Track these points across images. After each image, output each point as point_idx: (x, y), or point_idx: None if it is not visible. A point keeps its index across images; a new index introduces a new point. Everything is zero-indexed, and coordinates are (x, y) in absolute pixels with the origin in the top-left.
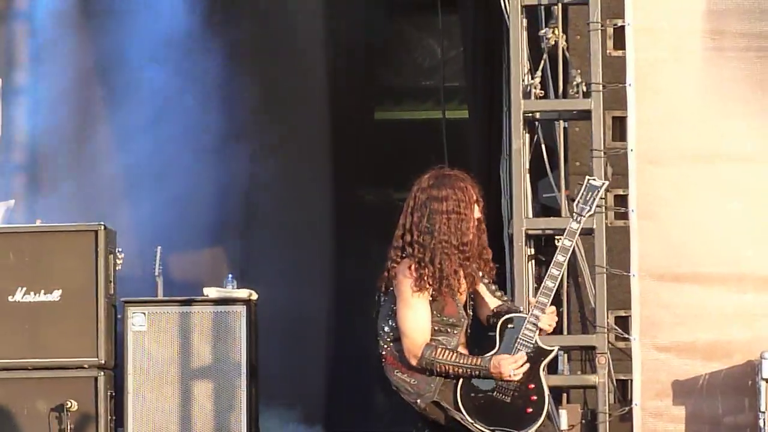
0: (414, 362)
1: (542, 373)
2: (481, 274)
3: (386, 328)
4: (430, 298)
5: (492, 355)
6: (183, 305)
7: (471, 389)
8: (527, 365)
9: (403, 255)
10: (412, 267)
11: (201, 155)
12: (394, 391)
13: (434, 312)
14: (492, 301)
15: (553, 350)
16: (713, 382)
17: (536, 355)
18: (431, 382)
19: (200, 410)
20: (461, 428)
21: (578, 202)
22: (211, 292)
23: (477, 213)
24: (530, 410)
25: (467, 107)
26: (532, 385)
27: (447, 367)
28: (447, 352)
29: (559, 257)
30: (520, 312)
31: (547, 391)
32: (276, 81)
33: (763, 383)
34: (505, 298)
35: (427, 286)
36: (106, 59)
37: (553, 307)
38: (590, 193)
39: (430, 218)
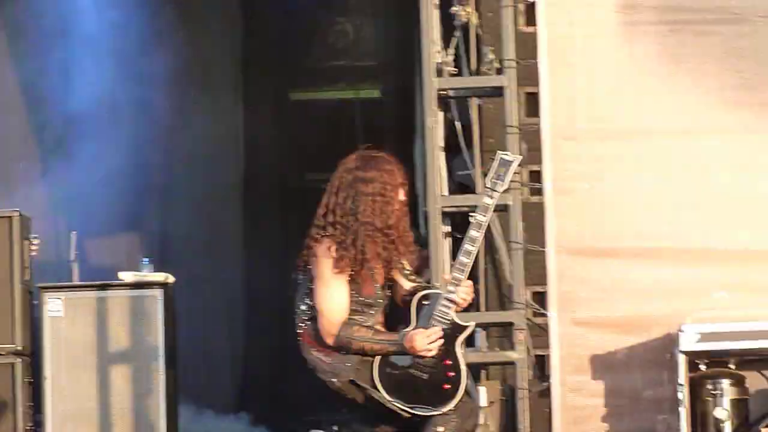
0: (330, 341)
1: (459, 350)
2: (399, 257)
3: (303, 307)
4: (349, 278)
5: (407, 331)
6: (99, 290)
7: (388, 366)
8: (441, 340)
9: (324, 234)
10: (332, 248)
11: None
12: (311, 370)
13: (352, 292)
14: (406, 284)
15: (469, 326)
16: (632, 357)
17: (452, 331)
18: (347, 361)
19: (118, 395)
20: (379, 406)
21: (491, 177)
22: (126, 276)
23: (402, 196)
24: (448, 386)
25: (378, 87)
26: (449, 362)
27: (363, 345)
28: (363, 329)
29: (473, 233)
30: (435, 289)
31: (464, 368)
32: (190, 61)
33: (681, 356)
34: (419, 281)
35: (348, 267)
36: None
37: (470, 282)
38: (503, 168)
39: (355, 199)
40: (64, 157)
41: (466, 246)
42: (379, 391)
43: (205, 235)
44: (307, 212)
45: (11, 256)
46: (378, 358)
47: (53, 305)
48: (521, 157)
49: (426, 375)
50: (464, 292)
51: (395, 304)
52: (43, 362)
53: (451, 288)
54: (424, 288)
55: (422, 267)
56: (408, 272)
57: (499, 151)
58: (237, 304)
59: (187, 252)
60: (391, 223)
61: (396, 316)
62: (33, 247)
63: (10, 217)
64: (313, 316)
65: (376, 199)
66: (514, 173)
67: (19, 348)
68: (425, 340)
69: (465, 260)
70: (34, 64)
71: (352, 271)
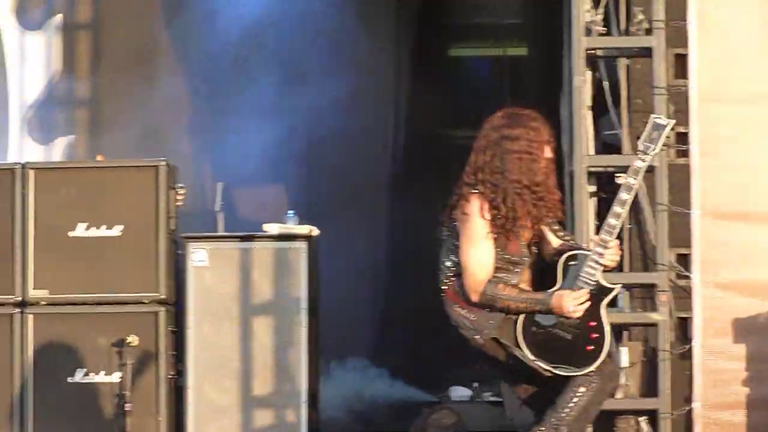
0: (475, 298)
1: (603, 311)
2: (548, 215)
3: (448, 263)
4: (495, 236)
5: (554, 291)
6: (244, 241)
7: (532, 325)
8: (588, 302)
9: (474, 192)
10: (484, 206)
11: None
12: (453, 326)
13: (498, 249)
14: (555, 241)
15: (615, 288)
16: None
17: (598, 293)
18: (491, 319)
19: (260, 346)
20: (520, 365)
21: (643, 140)
22: (271, 228)
23: (548, 153)
24: (591, 348)
25: (526, 44)
26: (593, 323)
27: (508, 303)
28: (509, 288)
29: (623, 195)
30: (583, 249)
31: (608, 329)
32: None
33: None
34: (568, 238)
35: (498, 226)
36: None
37: (617, 241)
38: (655, 132)
39: (503, 158)
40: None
41: (615, 208)
42: (522, 349)
43: (351, 190)
44: (456, 170)
45: (157, 206)
46: (522, 317)
47: (198, 255)
48: (674, 121)
49: (570, 335)
50: (612, 253)
51: (543, 261)
52: (187, 312)
53: (599, 249)
54: (572, 248)
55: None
56: (557, 228)
57: (652, 115)
58: (381, 262)
59: (333, 206)
60: (539, 180)
61: (543, 274)
62: (179, 197)
63: (156, 166)
64: (458, 273)
65: (523, 157)
66: (668, 137)
67: (163, 297)
68: (573, 302)
69: (614, 222)
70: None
71: (502, 229)
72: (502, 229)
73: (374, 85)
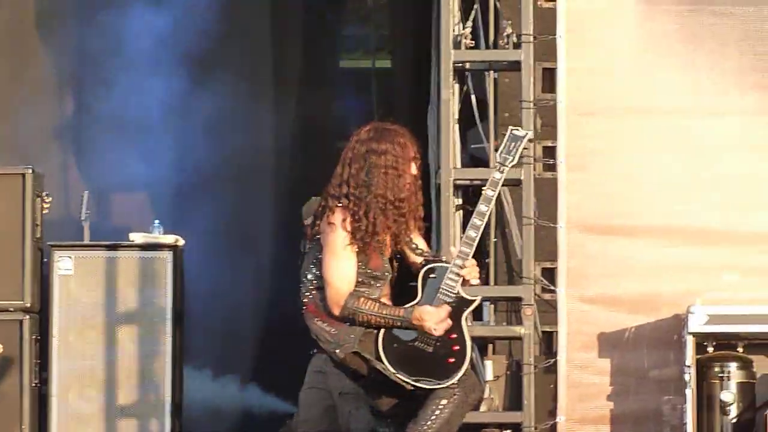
0: (337, 311)
1: (465, 324)
2: (407, 232)
3: (309, 276)
4: (357, 250)
5: (414, 305)
6: (109, 250)
7: (393, 340)
8: (450, 321)
9: (338, 205)
10: (347, 219)
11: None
12: (314, 339)
13: (360, 263)
14: (416, 258)
15: (475, 300)
16: (639, 335)
17: (459, 305)
18: (351, 333)
19: (125, 356)
20: (383, 378)
21: (501, 152)
22: (137, 237)
23: (414, 170)
24: (452, 360)
25: (391, 57)
26: (455, 335)
27: (369, 317)
28: (370, 302)
29: (482, 207)
30: (442, 262)
31: (469, 342)
32: None
33: (689, 337)
34: (427, 253)
35: (358, 239)
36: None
37: (473, 261)
38: (513, 143)
39: (368, 171)
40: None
41: (475, 220)
42: (383, 363)
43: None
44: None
45: (23, 214)
46: (383, 331)
47: (63, 264)
48: (531, 132)
49: (431, 348)
50: (470, 271)
51: (403, 276)
52: (51, 320)
53: (458, 262)
54: (431, 261)
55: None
56: (415, 246)
57: (510, 126)
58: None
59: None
60: (403, 196)
61: (403, 289)
62: (45, 205)
63: (23, 174)
64: (320, 286)
65: (389, 172)
66: (526, 148)
67: (28, 305)
68: (433, 318)
69: (473, 234)
70: None
71: (362, 243)
72: (363, 242)
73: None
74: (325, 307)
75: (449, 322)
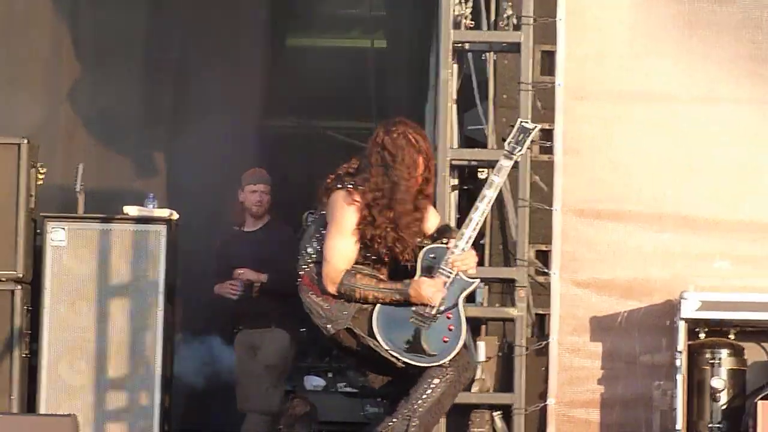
0: (332, 289)
1: (461, 304)
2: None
3: (309, 249)
4: (362, 233)
5: (408, 282)
6: (103, 222)
7: (387, 317)
8: (446, 290)
9: (358, 187)
10: (360, 203)
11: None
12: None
13: (361, 246)
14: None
15: (474, 282)
16: (631, 320)
17: (456, 286)
18: (345, 309)
19: (116, 329)
20: (375, 355)
21: (510, 141)
22: (131, 210)
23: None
24: (447, 339)
25: (388, 37)
26: (450, 315)
27: (366, 293)
28: (367, 278)
29: (486, 192)
30: (442, 244)
31: (464, 322)
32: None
33: (681, 323)
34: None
35: (368, 223)
36: None
37: (472, 250)
38: (522, 134)
39: (388, 168)
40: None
41: (478, 204)
42: (376, 339)
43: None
44: (326, 159)
45: (18, 184)
46: (378, 308)
47: (56, 235)
48: (539, 126)
49: (426, 326)
50: (463, 262)
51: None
52: (43, 291)
53: (459, 243)
54: (432, 242)
55: None
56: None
57: (520, 118)
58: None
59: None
60: (418, 204)
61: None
62: (40, 176)
63: (18, 144)
64: (318, 260)
65: (411, 173)
66: (534, 141)
67: (20, 275)
68: (431, 288)
69: (476, 218)
70: None
71: (370, 228)
72: (371, 227)
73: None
74: (320, 281)
75: (445, 291)
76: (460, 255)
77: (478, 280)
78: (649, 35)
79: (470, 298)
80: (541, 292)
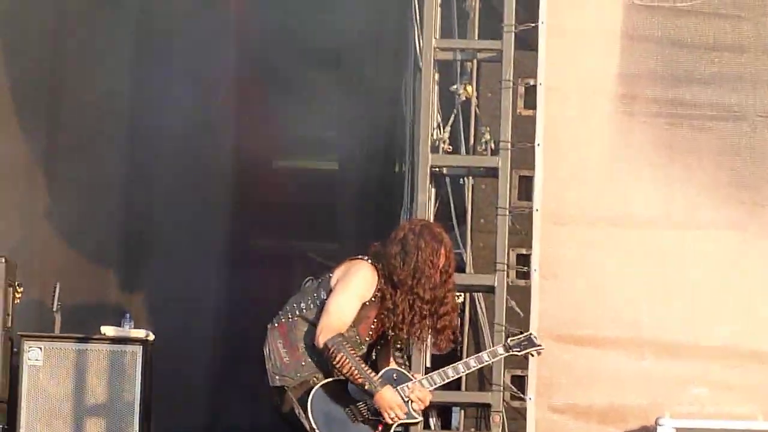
0: (322, 340)
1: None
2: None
3: (302, 305)
4: (362, 309)
5: (384, 381)
6: (80, 342)
7: (325, 397)
8: (401, 413)
9: (378, 267)
10: (378, 283)
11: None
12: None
13: (354, 322)
14: (390, 359)
15: (419, 419)
16: None
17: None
18: (300, 371)
19: None
20: (300, 427)
21: (513, 340)
22: (108, 330)
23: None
24: None
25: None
26: (380, 427)
27: (347, 363)
28: (353, 351)
29: (472, 361)
30: (409, 375)
31: None
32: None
33: None
34: (400, 362)
35: (372, 304)
36: None
37: (430, 395)
38: (526, 343)
39: (416, 267)
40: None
41: (459, 366)
42: (307, 414)
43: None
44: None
45: None
46: (319, 387)
47: (33, 354)
48: (543, 347)
49: (357, 421)
50: (418, 399)
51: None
52: (20, 410)
53: (426, 380)
54: (402, 373)
55: None
56: (398, 355)
57: (532, 332)
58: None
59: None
60: (429, 302)
61: None
62: (17, 294)
63: None
64: (306, 320)
65: (435, 275)
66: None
67: None
68: (397, 403)
69: (450, 374)
70: None
71: (371, 308)
72: (372, 308)
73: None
74: (294, 337)
75: (401, 416)
76: (423, 390)
77: (422, 419)
78: (628, 160)
79: (446, 422)
80: (517, 417)
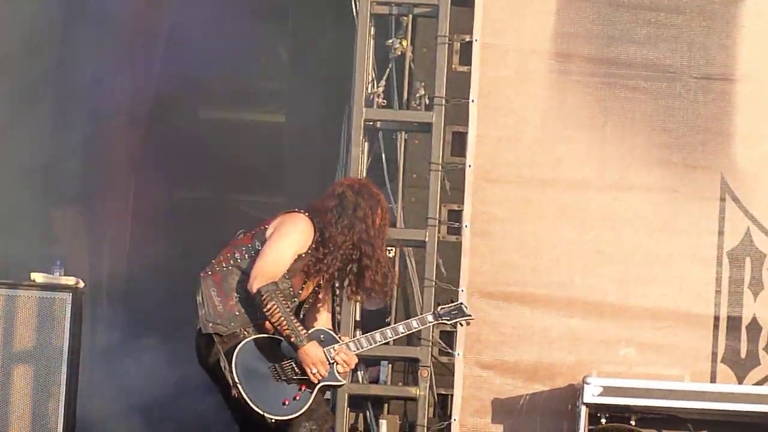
0: (255, 285)
1: (317, 390)
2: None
3: (236, 255)
4: (296, 261)
5: (310, 336)
6: (9, 288)
7: (252, 352)
8: (324, 371)
9: (312, 219)
10: (314, 237)
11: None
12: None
13: (287, 272)
14: (323, 316)
15: (342, 383)
16: (534, 403)
17: (330, 374)
18: (231, 322)
19: (19, 395)
20: (224, 379)
21: (443, 309)
22: (38, 277)
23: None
24: (287, 402)
25: (293, 112)
26: (303, 387)
27: (277, 312)
28: (284, 304)
29: (400, 327)
30: (336, 337)
31: (306, 408)
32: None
33: (582, 407)
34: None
35: (306, 257)
36: None
37: (356, 359)
38: (456, 312)
39: (351, 223)
40: None
41: (387, 331)
42: (230, 366)
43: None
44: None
45: None
46: (247, 342)
47: None
48: (473, 317)
49: (279, 380)
50: (343, 362)
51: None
52: None
53: (353, 343)
54: (330, 335)
55: None
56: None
57: (462, 302)
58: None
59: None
60: (365, 263)
61: None
62: None
63: None
64: (241, 270)
65: (371, 233)
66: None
67: None
68: (321, 360)
69: (378, 338)
70: None
71: (305, 261)
72: (306, 261)
73: None
74: (228, 288)
75: (324, 374)
76: (350, 353)
77: (345, 383)
78: (562, 120)
79: (374, 377)
80: (445, 373)
